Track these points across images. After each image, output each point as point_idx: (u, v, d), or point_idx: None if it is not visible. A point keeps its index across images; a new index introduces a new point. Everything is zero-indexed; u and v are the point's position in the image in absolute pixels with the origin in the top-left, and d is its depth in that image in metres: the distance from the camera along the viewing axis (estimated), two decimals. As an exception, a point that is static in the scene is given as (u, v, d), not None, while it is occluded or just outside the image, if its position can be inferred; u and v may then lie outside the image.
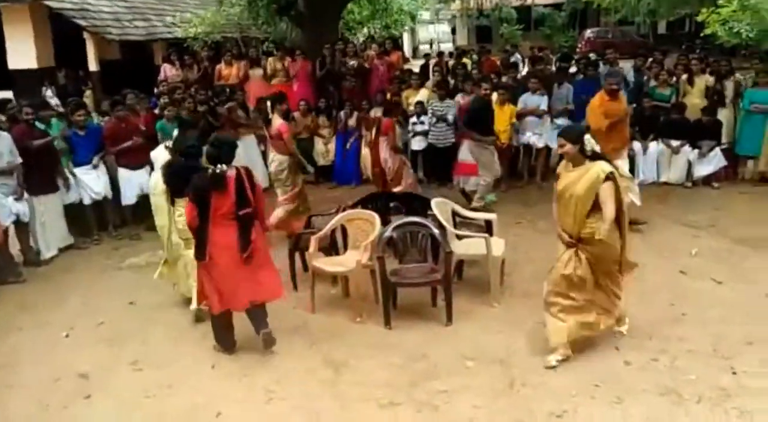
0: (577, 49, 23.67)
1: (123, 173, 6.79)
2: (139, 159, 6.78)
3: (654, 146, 7.96)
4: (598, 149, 3.90)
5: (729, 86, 8.07)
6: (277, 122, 6.38)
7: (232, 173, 4.04)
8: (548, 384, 3.83)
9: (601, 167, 3.81)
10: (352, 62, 9.37)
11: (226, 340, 4.34)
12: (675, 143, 7.83)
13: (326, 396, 3.83)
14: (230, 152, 4.14)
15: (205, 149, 4.18)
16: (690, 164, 7.86)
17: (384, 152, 7.27)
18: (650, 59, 9.03)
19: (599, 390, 3.75)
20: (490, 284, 4.99)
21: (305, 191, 6.69)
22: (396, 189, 7.00)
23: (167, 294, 5.29)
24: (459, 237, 5.19)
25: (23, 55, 11.77)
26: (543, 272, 5.40)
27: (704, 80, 8.12)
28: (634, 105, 7.88)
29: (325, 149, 8.87)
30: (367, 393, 3.83)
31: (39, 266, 6.10)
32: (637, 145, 7.96)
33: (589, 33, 26.32)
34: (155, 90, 9.19)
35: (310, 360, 4.25)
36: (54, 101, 10.46)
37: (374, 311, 4.81)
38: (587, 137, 3.86)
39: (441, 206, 5.20)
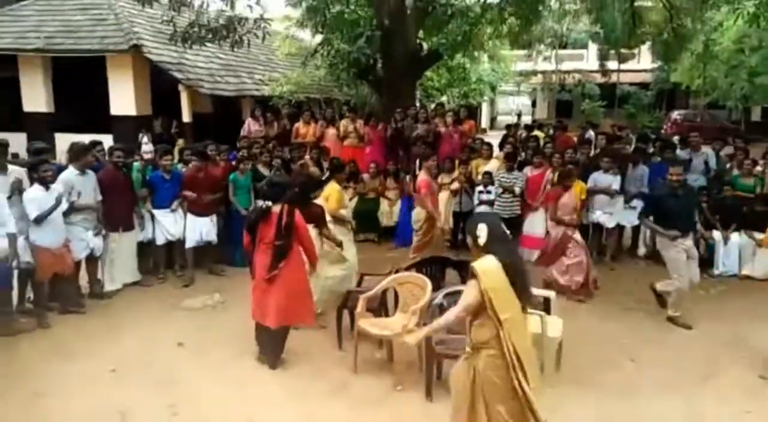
0: (663, 131, 23.04)
1: (189, 218, 7.06)
2: (207, 208, 7.12)
3: (736, 237, 7.48)
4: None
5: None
6: (422, 177, 6.89)
7: (276, 209, 4.74)
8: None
9: (478, 262, 3.21)
10: (422, 128, 9.51)
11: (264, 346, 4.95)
12: (759, 235, 7.32)
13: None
14: (278, 192, 4.86)
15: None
16: (775, 260, 7.31)
17: (547, 223, 7.01)
18: (733, 146, 8.61)
19: None
20: (543, 367, 4.71)
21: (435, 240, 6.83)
22: (551, 269, 6.67)
23: (216, 338, 5.37)
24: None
25: (124, 102, 12.77)
26: (603, 359, 5.17)
27: (793, 172, 7.65)
28: (715, 193, 7.54)
29: (389, 210, 8.94)
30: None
31: (102, 298, 6.35)
32: (717, 234, 7.54)
33: (676, 115, 25.60)
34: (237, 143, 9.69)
35: (348, 425, 4.12)
36: (148, 147, 11.19)
37: (418, 379, 4.63)
38: (480, 226, 3.29)
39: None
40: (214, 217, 7.25)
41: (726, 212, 7.56)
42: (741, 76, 18.87)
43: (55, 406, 4.28)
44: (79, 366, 4.88)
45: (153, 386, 4.56)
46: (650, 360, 5.17)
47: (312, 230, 5.53)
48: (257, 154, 8.17)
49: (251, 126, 10.25)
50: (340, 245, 5.84)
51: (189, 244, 7.05)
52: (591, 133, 11.19)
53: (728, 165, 8.14)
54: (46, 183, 5.54)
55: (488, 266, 3.16)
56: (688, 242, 5.93)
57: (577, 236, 6.73)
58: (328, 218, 5.97)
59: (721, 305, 6.49)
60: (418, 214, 6.74)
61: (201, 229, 7.07)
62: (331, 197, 6.09)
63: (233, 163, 7.86)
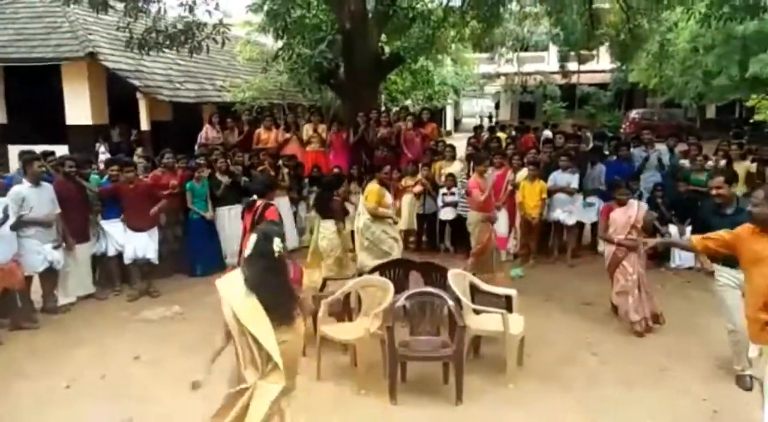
0: (622, 130, 23.60)
1: (127, 233, 6.71)
2: (142, 223, 6.70)
3: (691, 231, 7.66)
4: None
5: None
6: (473, 179, 6.86)
7: (259, 203, 5.34)
8: (557, 479, 3.53)
9: (220, 279, 3.27)
10: (384, 131, 9.52)
11: None
12: (714, 228, 7.52)
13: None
14: (261, 188, 5.54)
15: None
16: (730, 251, 7.49)
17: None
18: (687, 143, 8.82)
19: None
20: (507, 364, 4.74)
21: (491, 250, 6.72)
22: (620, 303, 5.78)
23: (173, 349, 5.26)
24: (476, 312, 5.00)
25: (79, 111, 12.46)
26: (566, 354, 5.22)
27: (745, 167, 7.85)
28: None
29: (353, 215, 8.89)
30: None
31: (56, 313, 6.15)
32: (673, 228, 7.71)
33: (634, 114, 26.25)
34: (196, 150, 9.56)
35: (310, 432, 4.05)
36: (106, 157, 10.94)
37: (382, 383, 4.60)
38: (252, 237, 3.23)
39: (457, 278, 5.05)
40: (153, 231, 6.84)
41: (681, 207, 7.73)
42: (695, 75, 19.41)
43: (7, 427, 4.14)
44: (32, 383, 4.71)
45: (109, 400, 4.43)
46: (612, 354, 5.24)
47: (332, 226, 6.28)
48: (213, 161, 8.04)
49: (209, 133, 10.09)
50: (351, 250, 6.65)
51: (126, 261, 6.70)
52: (548, 132, 11.40)
53: (682, 161, 8.35)
54: None
55: (226, 282, 3.19)
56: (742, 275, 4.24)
57: (629, 261, 5.70)
58: (367, 216, 6.48)
59: (678, 298, 6.64)
60: (472, 216, 6.72)
61: (135, 245, 6.65)
62: (370, 195, 6.54)
63: (189, 171, 7.71)
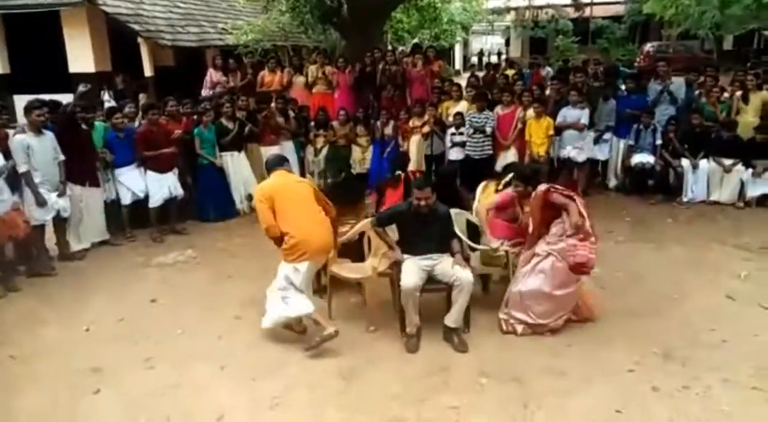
0: (637, 63, 22.94)
1: (151, 175, 6.84)
2: (167, 164, 6.90)
3: (704, 164, 7.56)
4: None
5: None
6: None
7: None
8: (565, 408, 3.63)
9: None
10: (394, 68, 9.31)
11: None
12: (727, 161, 7.42)
13: (332, 407, 3.73)
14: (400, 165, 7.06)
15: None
16: (743, 184, 7.42)
17: None
18: (705, 74, 8.55)
19: (620, 418, 3.52)
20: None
21: None
22: None
23: (188, 294, 5.37)
24: (473, 249, 5.01)
25: (81, 59, 12.33)
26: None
27: (760, 97, 7.66)
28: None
29: (361, 157, 8.82)
30: (374, 406, 3.71)
31: (71, 260, 6.23)
32: (686, 162, 7.61)
33: (649, 47, 25.48)
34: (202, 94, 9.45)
35: (322, 368, 4.17)
36: (110, 104, 10.85)
37: (394, 320, 4.68)
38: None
39: (458, 218, 5.05)
40: (176, 170, 7.07)
41: (695, 140, 7.61)
42: (712, 4, 18.65)
43: (32, 368, 4.26)
44: (52, 327, 4.84)
45: (128, 342, 4.56)
46: (619, 288, 5.27)
47: None
48: (219, 106, 7.90)
49: (213, 76, 9.93)
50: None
51: (155, 204, 6.83)
52: (548, 69, 11.22)
53: (697, 92, 8.14)
54: None
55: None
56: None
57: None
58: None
59: (689, 231, 6.64)
60: None
61: (167, 185, 6.87)
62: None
63: (195, 117, 7.65)
